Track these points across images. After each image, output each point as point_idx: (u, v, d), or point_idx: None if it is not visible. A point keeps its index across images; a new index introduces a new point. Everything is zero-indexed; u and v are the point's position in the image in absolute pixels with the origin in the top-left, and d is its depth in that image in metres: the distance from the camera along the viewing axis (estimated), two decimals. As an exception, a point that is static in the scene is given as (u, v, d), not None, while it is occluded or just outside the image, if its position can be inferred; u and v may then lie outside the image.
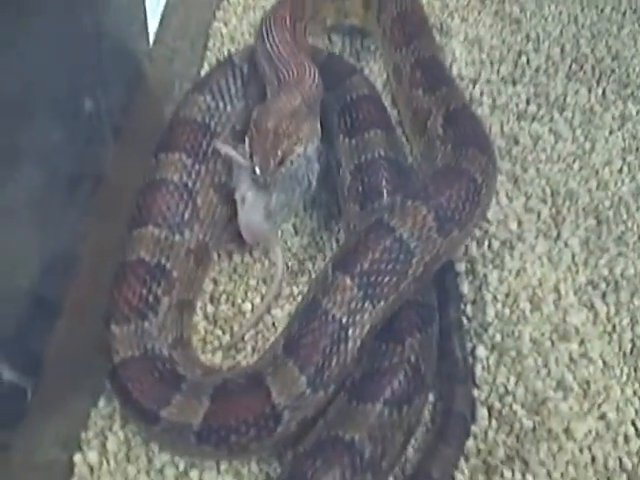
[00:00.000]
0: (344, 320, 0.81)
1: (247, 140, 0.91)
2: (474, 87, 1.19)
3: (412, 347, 0.83)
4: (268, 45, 1.01)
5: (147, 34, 1.07)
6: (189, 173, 0.97)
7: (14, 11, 0.68)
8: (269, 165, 0.89)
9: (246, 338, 0.97)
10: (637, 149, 1.10)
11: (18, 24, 0.70)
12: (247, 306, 0.99)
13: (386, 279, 0.82)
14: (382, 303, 0.82)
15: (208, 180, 0.98)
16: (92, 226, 0.89)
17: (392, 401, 0.79)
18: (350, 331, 0.81)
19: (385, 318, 0.84)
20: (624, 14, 1.27)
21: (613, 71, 1.19)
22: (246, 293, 1.01)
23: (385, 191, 0.95)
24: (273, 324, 0.98)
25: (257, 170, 0.89)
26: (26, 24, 0.71)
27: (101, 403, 0.91)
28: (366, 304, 0.81)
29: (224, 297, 1.01)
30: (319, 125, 0.97)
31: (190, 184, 0.96)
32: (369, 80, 1.13)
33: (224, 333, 0.97)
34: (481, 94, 1.18)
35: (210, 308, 0.99)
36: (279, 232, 1.04)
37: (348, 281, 0.82)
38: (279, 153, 0.89)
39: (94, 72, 0.91)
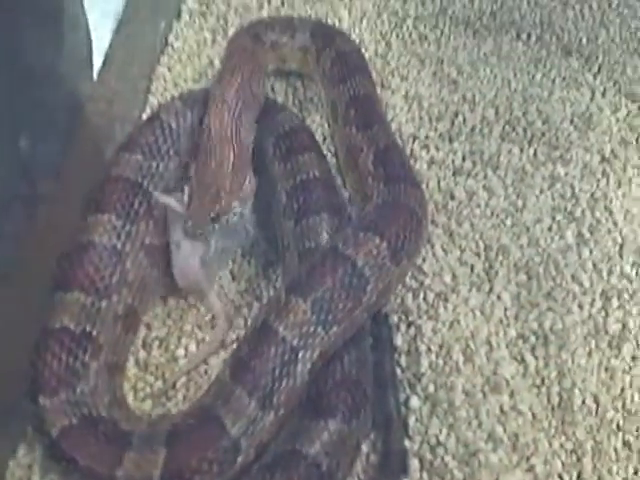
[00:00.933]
0: (295, 343, 0.81)
1: (187, 190, 0.92)
2: (413, 143, 1.22)
3: (351, 362, 0.86)
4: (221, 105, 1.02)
5: (91, 73, 1.06)
6: (118, 235, 0.93)
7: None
8: (204, 220, 0.90)
9: (177, 385, 0.95)
10: (565, 209, 1.14)
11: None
12: (180, 352, 0.97)
13: (340, 305, 0.84)
14: (335, 329, 0.83)
15: (139, 242, 0.95)
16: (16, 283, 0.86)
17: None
18: (300, 354, 0.81)
19: (336, 345, 0.85)
20: (554, 81, 1.34)
21: (543, 134, 1.24)
22: (179, 339, 0.99)
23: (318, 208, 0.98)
24: (205, 372, 0.96)
25: (190, 223, 0.90)
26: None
27: (20, 452, 0.87)
28: (319, 329, 0.82)
29: (157, 343, 0.98)
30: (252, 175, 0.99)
31: (119, 246, 0.93)
32: (298, 116, 1.19)
33: (156, 379, 0.95)
34: (420, 149, 1.21)
35: (142, 354, 0.97)
36: (216, 279, 1.03)
37: (302, 305, 0.83)
38: (216, 209, 0.91)
39: (32, 108, 0.89)
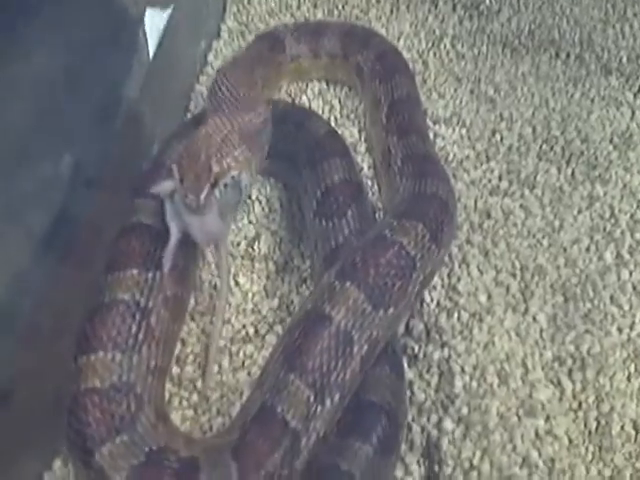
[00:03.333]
0: (349, 328, 0.82)
1: (175, 167, 0.87)
2: (452, 162, 1.22)
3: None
4: (218, 87, 1.02)
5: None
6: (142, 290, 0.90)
7: None
8: (201, 190, 0.84)
9: (211, 400, 0.95)
10: (604, 229, 1.12)
11: None
12: (214, 367, 0.98)
13: (393, 289, 0.86)
14: (391, 310, 0.86)
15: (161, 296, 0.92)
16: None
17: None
18: (356, 338, 0.83)
19: (392, 329, 0.89)
20: (593, 100, 1.32)
21: (582, 153, 1.22)
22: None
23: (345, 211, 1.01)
24: (237, 388, 0.96)
25: (189, 197, 0.84)
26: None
27: (56, 465, 0.88)
28: (373, 313, 0.84)
29: (190, 358, 0.99)
30: (257, 159, 0.95)
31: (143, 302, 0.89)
32: (327, 121, 1.21)
33: (190, 394, 0.96)
34: (457, 167, 1.21)
35: (175, 370, 0.98)
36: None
37: (354, 289, 0.84)
38: (212, 174, 0.86)
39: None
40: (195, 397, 0.96)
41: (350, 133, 1.27)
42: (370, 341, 0.84)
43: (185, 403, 0.96)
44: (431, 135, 1.24)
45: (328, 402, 0.79)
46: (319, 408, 0.79)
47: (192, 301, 1.04)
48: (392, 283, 0.86)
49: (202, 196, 0.83)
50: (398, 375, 0.90)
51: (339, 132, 1.16)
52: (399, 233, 0.90)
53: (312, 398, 0.78)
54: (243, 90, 1.01)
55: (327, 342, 0.81)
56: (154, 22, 1.22)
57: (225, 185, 0.87)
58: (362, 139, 1.26)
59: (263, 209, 1.17)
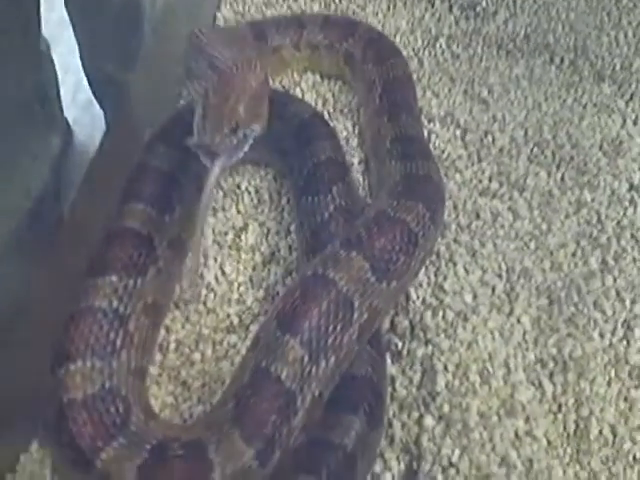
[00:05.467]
0: (350, 294, 0.83)
1: (199, 110, 0.86)
2: (445, 160, 1.22)
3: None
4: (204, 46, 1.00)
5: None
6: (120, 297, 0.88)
7: None
8: (221, 131, 0.83)
9: (192, 388, 0.95)
10: (591, 235, 1.13)
11: None
12: (196, 356, 0.98)
13: (397, 261, 0.89)
14: (394, 284, 0.89)
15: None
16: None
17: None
18: (356, 305, 0.84)
19: (394, 299, 0.93)
20: (585, 106, 1.33)
21: (572, 158, 1.23)
22: (197, 343, 0.99)
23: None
24: (219, 377, 0.96)
25: (207, 135, 0.83)
26: None
27: (33, 447, 0.88)
28: (376, 283, 0.86)
29: (173, 346, 0.99)
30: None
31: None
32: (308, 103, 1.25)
33: (172, 382, 0.95)
34: (449, 167, 1.21)
35: (158, 356, 0.97)
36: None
37: (360, 259, 0.86)
38: (236, 118, 0.85)
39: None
40: (176, 385, 0.96)
41: (344, 127, 1.27)
42: (370, 310, 0.86)
43: (165, 390, 0.95)
44: (425, 133, 1.24)
45: (323, 363, 0.80)
46: (314, 369, 0.79)
47: (177, 289, 1.03)
48: (397, 258, 0.89)
49: (218, 138, 0.83)
50: (378, 351, 0.92)
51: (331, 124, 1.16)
52: (402, 211, 0.93)
53: (306, 358, 0.79)
54: (235, 50, 1.00)
55: (326, 305, 0.82)
56: (147, 8, 1.21)
57: (244, 135, 0.86)
58: (355, 132, 1.26)
59: (252, 200, 1.16)
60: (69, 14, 1.16)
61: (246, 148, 0.89)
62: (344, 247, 0.88)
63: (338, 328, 0.82)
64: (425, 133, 1.24)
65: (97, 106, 1.31)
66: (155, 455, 0.75)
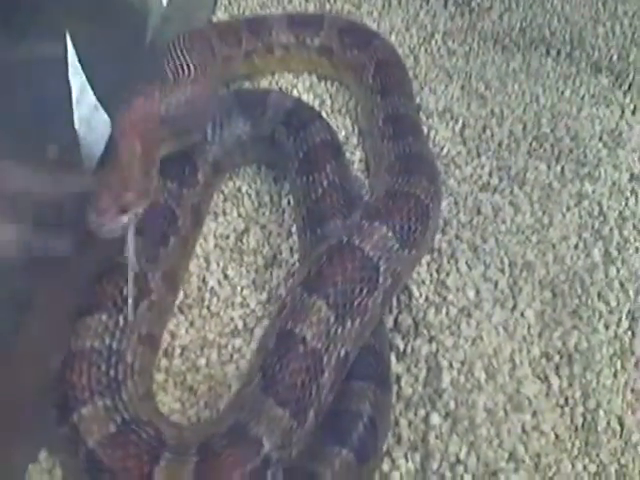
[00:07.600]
0: (375, 259, 0.87)
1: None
2: (445, 157, 1.22)
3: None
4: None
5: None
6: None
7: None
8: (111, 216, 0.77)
9: (199, 393, 0.95)
10: (592, 226, 1.12)
11: None
12: (202, 361, 0.98)
13: (415, 231, 0.93)
14: (414, 252, 0.93)
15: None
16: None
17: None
18: (382, 269, 0.87)
19: (412, 267, 0.97)
20: (583, 98, 1.33)
21: (571, 151, 1.23)
22: (202, 348, 0.99)
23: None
24: (225, 382, 0.96)
25: (93, 217, 0.76)
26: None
27: (42, 455, 0.88)
28: (399, 249, 0.90)
29: (178, 351, 0.99)
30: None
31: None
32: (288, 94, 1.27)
33: (176, 387, 0.95)
34: (448, 163, 1.21)
35: (164, 362, 0.97)
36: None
37: (382, 227, 0.90)
38: (127, 198, 0.79)
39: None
40: (183, 391, 0.96)
41: (343, 126, 1.27)
42: (394, 276, 0.89)
43: (171, 396, 0.95)
44: (425, 130, 1.24)
45: (349, 324, 0.82)
46: (340, 329, 0.81)
47: (181, 294, 1.03)
48: (415, 227, 0.93)
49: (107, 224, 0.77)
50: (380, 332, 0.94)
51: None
52: (410, 186, 0.97)
53: (332, 319, 0.81)
54: (196, 61, 1.02)
55: (352, 268, 0.84)
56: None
57: (135, 215, 0.80)
58: (354, 132, 1.26)
59: (253, 203, 1.17)
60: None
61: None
62: (366, 218, 0.91)
63: (364, 291, 0.84)
64: (424, 130, 1.24)
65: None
66: (203, 454, 0.74)
